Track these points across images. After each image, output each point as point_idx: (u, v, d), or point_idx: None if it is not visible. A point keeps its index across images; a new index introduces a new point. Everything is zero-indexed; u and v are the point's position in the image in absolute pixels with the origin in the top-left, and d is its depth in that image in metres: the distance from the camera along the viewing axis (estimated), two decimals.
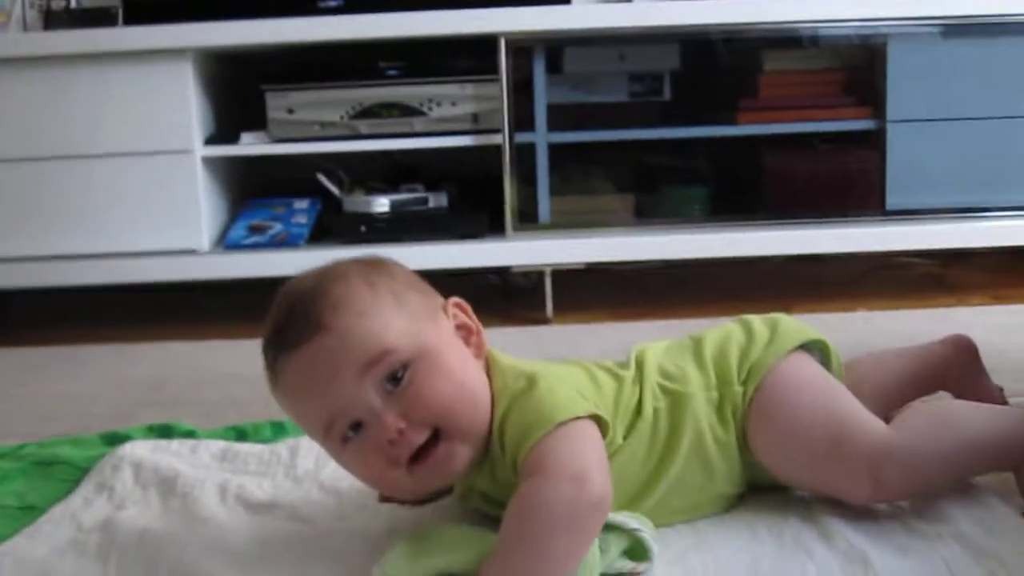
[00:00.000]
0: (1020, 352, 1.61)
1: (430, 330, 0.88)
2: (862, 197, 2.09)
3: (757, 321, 1.02)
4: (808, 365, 1.00)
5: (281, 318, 0.87)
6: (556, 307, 2.07)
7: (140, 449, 1.19)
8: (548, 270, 2.05)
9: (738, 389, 0.96)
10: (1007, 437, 0.94)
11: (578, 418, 0.86)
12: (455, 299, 0.93)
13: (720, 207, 2.16)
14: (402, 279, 0.90)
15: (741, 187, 2.19)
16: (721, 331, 1.02)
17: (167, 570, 0.92)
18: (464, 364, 0.89)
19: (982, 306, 1.98)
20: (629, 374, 0.97)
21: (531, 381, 0.88)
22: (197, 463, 1.17)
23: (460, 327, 0.92)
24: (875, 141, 2.07)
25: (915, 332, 1.77)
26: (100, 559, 0.95)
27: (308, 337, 0.84)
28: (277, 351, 0.87)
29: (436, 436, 0.86)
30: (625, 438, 0.92)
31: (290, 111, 2.05)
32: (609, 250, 2.07)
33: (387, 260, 0.93)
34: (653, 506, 0.92)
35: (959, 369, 1.11)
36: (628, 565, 0.86)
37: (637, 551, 0.87)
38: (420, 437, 0.85)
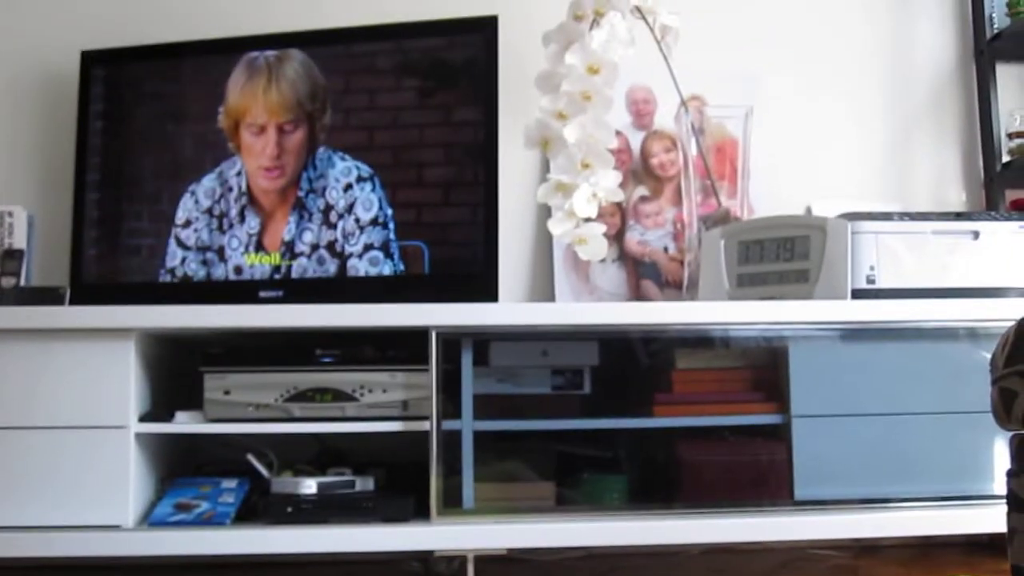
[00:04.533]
0: None
1: None
2: (772, 488, 2.18)
3: None
4: None
5: None
6: None
7: None
8: (471, 555, 2.08)
9: None
10: None
11: None
12: None
13: (637, 496, 2.23)
14: None
15: (657, 477, 2.27)
16: None
17: None
18: None
19: None
20: None
21: None
22: None
23: None
24: (782, 434, 2.19)
25: None
26: None
27: None
28: None
29: None
30: None
31: (226, 392, 2.13)
32: (531, 536, 2.11)
33: None
34: None
35: None
36: None
37: None
38: None
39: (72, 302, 2.27)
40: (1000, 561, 2.27)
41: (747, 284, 2.31)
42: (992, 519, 2.12)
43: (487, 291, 2.28)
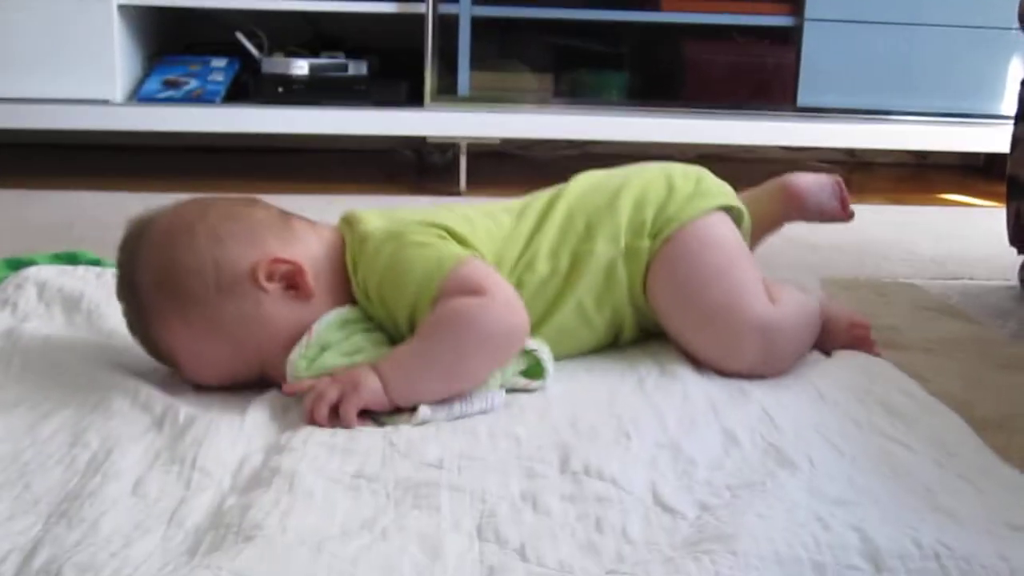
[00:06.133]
0: (909, 244, 1.70)
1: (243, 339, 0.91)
2: (775, 93, 2.14)
3: (679, 175, 1.04)
4: (719, 226, 1.02)
5: (127, 311, 0.95)
6: (469, 184, 2.09)
7: (45, 272, 1.19)
8: (464, 143, 2.07)
9: (646, 243, 0.98)
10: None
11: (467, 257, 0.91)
12: (270, 259, 0.92)
13: (638, 94, 2.19)
14: (214, 295, 0.90)
15: (660, 75, 2.22)
16: (643, 180, 1.03)
17: (71, 373, 0.93)
18: (275, 336, 0.91)
19: (879, 205, 2.07)
20: (527, 225, 0.99)
21: (398, 243, 0.92)
22: (102, 287, 1.17)
23: (283, 278, 0.92)
24: (792, 38, 2.11)
25: None
26: (2, 362, 0.96)
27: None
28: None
29: None
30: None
31: None
32: (525, 126, 2.09)
33: (202, 260, 0.91)
34: None
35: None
36: (521, 382, 0.91)
37: (533, 370, 0.92)
38: None
39: None
40: (994, 183, 2.27)
41: None
42: (992, 139, 2.10)
43: None
